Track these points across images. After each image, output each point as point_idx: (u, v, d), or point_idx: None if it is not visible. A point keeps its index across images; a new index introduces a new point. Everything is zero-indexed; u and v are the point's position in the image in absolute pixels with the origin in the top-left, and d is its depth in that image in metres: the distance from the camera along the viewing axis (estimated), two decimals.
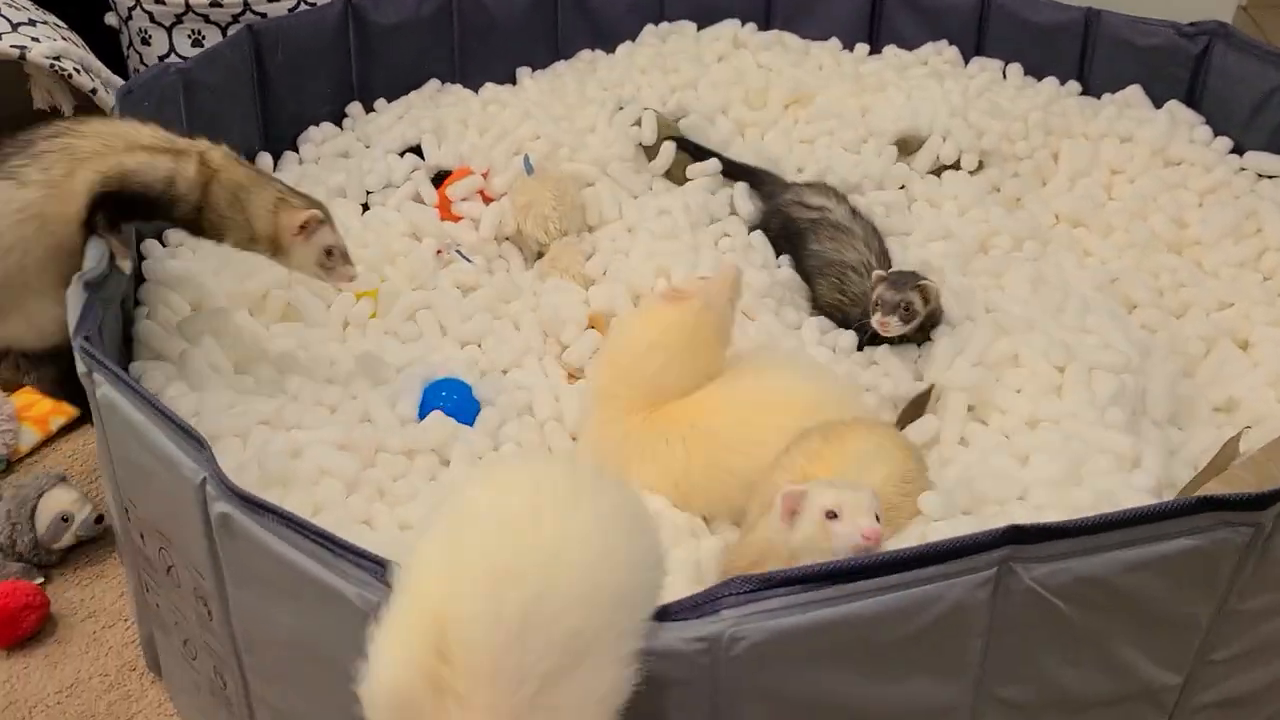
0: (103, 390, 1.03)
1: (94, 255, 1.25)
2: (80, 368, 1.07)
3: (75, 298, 1.16)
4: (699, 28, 2.18)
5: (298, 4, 2.15)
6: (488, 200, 1.78)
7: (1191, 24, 1.83)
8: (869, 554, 0.91)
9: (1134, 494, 1.20)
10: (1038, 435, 1.30)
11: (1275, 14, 3.48)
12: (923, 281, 1.45)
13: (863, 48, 2.15)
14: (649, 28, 2.19)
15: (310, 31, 1.93)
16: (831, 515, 0.97)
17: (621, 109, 1.93)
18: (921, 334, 1.49)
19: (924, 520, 1.13)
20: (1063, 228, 1.76)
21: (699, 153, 1.85)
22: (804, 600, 0.80)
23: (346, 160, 1.90)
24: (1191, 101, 1.85)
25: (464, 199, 1.78)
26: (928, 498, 1.14)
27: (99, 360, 1.03)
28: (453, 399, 1.41)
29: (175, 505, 0.95)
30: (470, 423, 1.40)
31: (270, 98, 1.88)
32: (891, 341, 1.48)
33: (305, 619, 0.89)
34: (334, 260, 1.34)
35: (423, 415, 1.39)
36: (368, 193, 1.82)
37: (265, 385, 1.38)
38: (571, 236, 1.69)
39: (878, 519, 0.98)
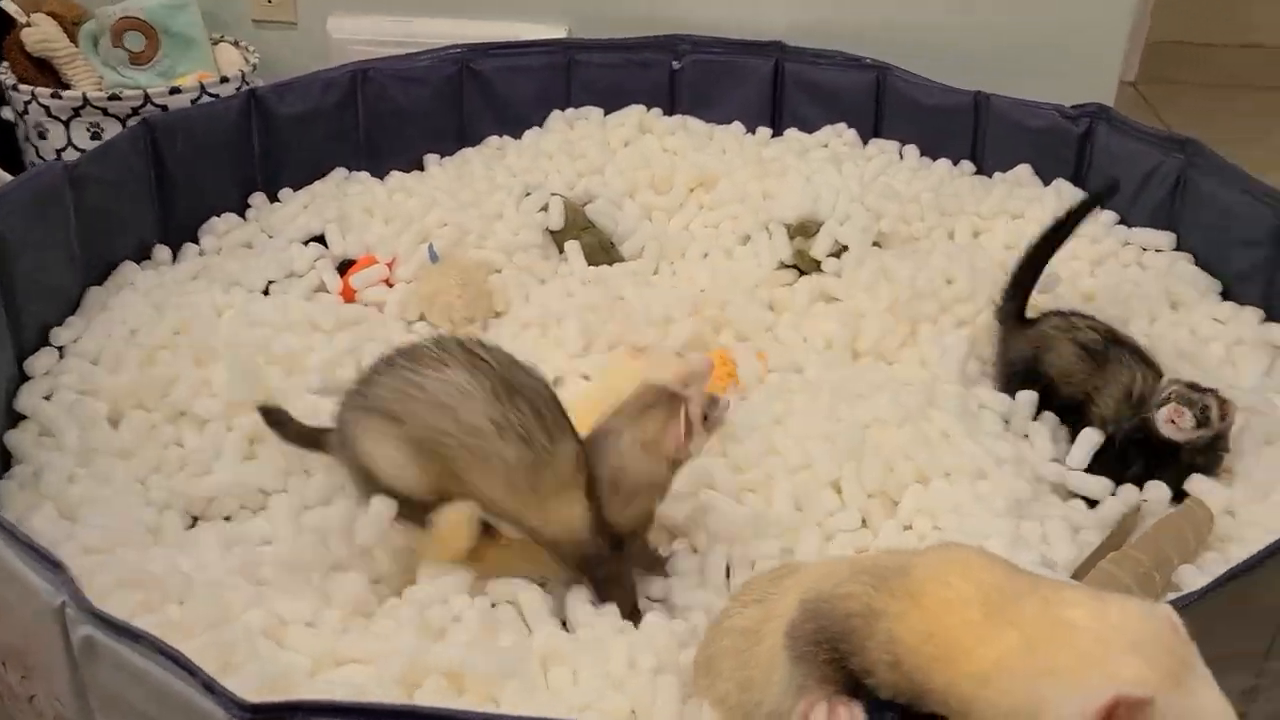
0: None
1: None
2: None
3: None
4: (605, 113, 2.21)
5: (200, 95, 2.14)
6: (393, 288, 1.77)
7: (1075, 106, 1.90)
8: None
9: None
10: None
11: (1164, 89, 3.65)
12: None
13: (765, 130, 2.19)
14: (556, 113, 2.21)
15: (211, 123, 1.92)
16: None
17: (529, 195, 1.94)
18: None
19: None
20: None
21: None
22: None
23: (249, 250, 1.89)
24: (1078, 180, 1.91)
25: (369, 287, 1.77)
26: None
27: None
28: None
29: (34, 632, 0.91)
30: None
31: (169, 190, 1.85)
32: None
33: None
34: None
35: None
36: (269, 282, 1.79)
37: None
38: (477, 325, 1.68)
39: None
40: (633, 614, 1.20)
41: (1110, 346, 1.47)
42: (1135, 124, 1.84)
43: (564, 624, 1.20)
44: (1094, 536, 1.28)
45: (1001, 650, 0.74)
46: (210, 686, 0.79)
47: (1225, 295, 1.68)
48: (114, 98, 2.10)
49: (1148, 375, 1.44)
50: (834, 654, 0.82)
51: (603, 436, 1.20)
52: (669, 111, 2.24)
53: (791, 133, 2.18)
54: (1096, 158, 1.89)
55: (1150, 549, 1.19)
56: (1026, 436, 1.47)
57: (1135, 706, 0.68)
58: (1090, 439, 1.40)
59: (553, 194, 1.93)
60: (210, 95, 2.15)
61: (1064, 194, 1.89)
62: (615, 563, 1.22)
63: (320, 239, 1.87)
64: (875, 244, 1.83)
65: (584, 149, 2.10)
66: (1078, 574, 1.19)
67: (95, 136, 2.10)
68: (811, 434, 1.43)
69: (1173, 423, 1.34)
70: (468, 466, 1.16)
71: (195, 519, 1.39)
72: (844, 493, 1.37)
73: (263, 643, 1.11)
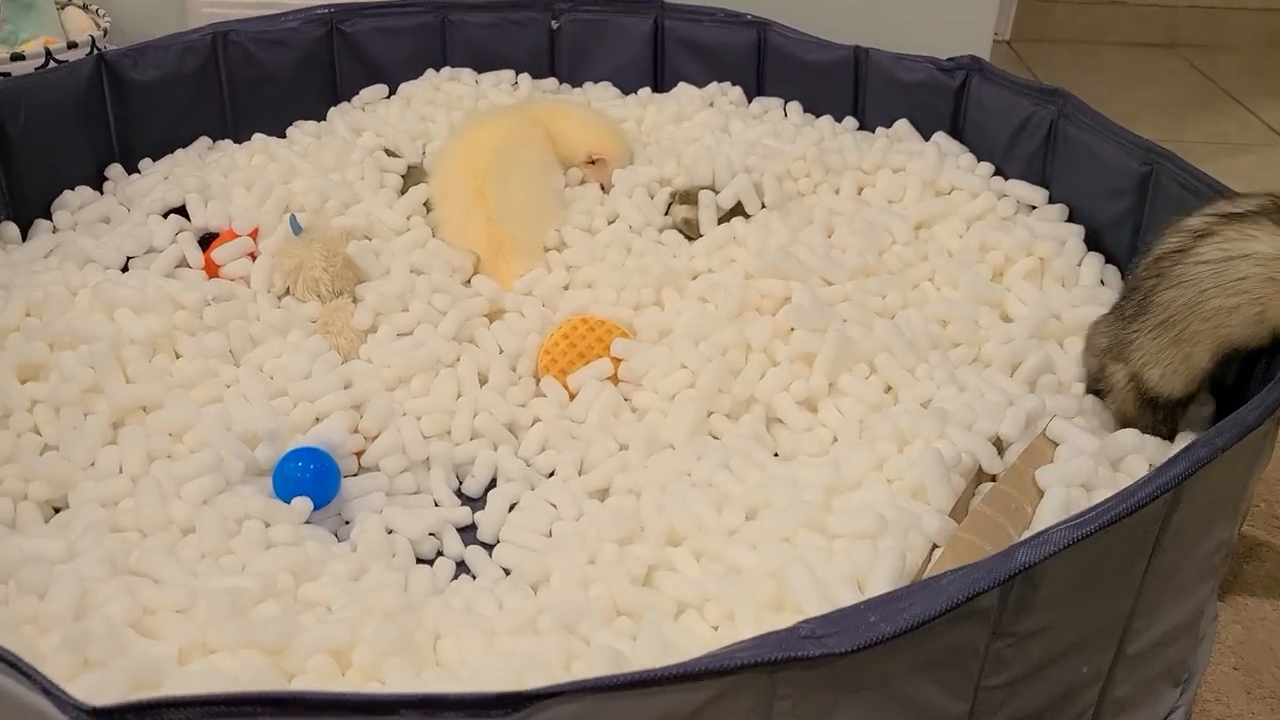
0: None
1: None
2: None
3: None
4: (479, 73, 2.15)
5: (46, 62, 2.01)
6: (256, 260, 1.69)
7: (950, 59, 1.91)
8: None
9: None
10: None
11: (1036, 47, 3.73)
12: None
13: (646, 91, 2.16)
14: (430, 73, 2.15)
15: (58, 92, 1.80)
16: None
17: (394, 157, 1.90)
18: None
19: None
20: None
21: None
22: None
23: (106, 226, 1.78)
24: (955, 132, 1.93)
25: (233, 261, 1.68)
26: None
27: None
28: (309, 469, 1.34)
29: None
30: (330, 495, 1.35)
31: (14, 164, 1.74)
32: None
33: None
34: None
35: (285, 495, 1.32)
36: (128, 258, 1.69)
37: None
38: (345, 298, 1.61)
39: None
40: None
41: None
42: (1007, 75, 1.85)
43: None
44: None
45: None
46: (47, 689, 0.73)
47: (1093, 245, 1.70)
48: None
49: None
50: None
51: None
52: (548, 73, 2.19)
53: (676, 91, 2.14)
54: (971, 110, 1.90)
55: (1019, 483, 1.19)
56: None
57: None
58: None
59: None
60: (57, 62, 2.01)
61: (943, 148, 1.90)
62: None
63: (181, 210, 1.77)
64: (763, 204, 1.81)
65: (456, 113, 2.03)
66: (955, 513, 1.18)
67: None
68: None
69: None
70: None
71: (56, 510, 1.32)
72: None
73: (127, 634, 1.05)
